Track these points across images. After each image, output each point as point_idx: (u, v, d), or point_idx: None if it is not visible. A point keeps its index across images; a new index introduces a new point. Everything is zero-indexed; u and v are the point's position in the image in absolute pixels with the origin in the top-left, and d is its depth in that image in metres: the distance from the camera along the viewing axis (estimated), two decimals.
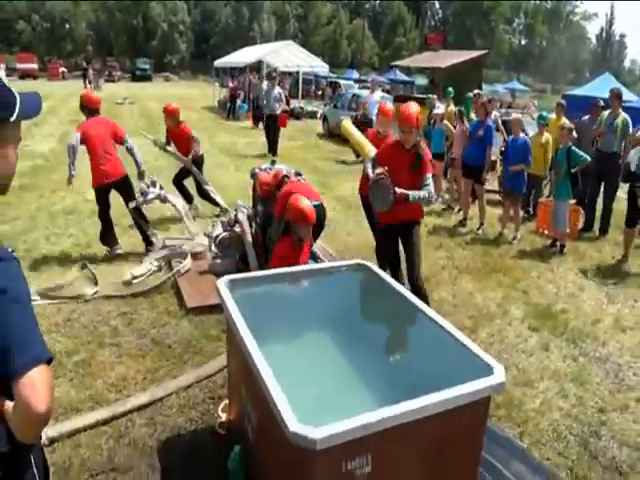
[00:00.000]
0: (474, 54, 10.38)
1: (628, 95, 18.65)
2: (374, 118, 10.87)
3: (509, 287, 4.88)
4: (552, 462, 2.68)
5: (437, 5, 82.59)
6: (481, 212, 6.66)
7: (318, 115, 17.93)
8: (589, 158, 5.77)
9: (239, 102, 17.83)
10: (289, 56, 19.51)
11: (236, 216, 4.50)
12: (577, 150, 5.69)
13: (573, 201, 6.38)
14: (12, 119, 1.17)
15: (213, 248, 4.58)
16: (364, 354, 1.90)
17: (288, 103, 12.98)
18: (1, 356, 1.05)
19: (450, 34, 73.30)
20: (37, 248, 5.17)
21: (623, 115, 6.46)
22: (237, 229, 4.49)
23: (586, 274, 5.34)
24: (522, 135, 6.21)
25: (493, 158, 8.31)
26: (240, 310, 2.11)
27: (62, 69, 40.07)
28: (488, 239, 6.34)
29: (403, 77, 40.20)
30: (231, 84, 18.24)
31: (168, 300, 4.17)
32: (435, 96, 8.90)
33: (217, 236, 4.54)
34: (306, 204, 3.22)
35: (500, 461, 2.56)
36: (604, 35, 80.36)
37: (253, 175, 4.80)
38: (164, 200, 5.20)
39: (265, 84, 17.43)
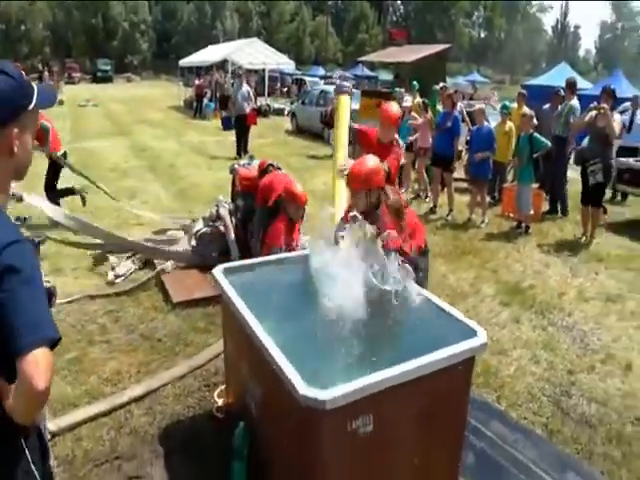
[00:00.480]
0: (437, 48, 10.67)
1: (583, 83, 19.43)
2: None
3: (479, 267, 5.14)
4: (528, 420, 2.91)
5: (398, 1, 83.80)
6: (450, 199, 6.93)
7: (285, 112, 18.00)
8: (550, 144, 6.11)
9: (206, 101, 17.73)
10: (254, 53, 19.49)
11: (217, 211, 4.59)
12: (538, 136, 6.01)
13: (536, 185, 6.72)
14: (30, 107, 1.24)
15: (193, 243, 4.65)
16: (355, 324, 2.07)
17: (256, 101, 13.01)
18: (8, 334, 1.08)
19: (412, 29, 74.35)
20: None
21: (572, 102, 6.85)
22: (218, 225, 4.58)
23: (550, 252, 5.66)
24: (486, 124, 6.50)
25: (460, 148, 8.63)
26: (238, 293, 2.24)
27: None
28: (457, 224, 6.61)
29: (368, 72, 40.57)
30: (197, 82, 18.09)
31: (153, 297, 4.23)
32: (403, 89, 9.12)
33: (198, 231, 4.62)
34: (299, 188, 3.67)
35: (481, 423, 2.77)
36: (559, 27, 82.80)
37: (232, 171, 4.90)
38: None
39: (231, 83, 17.51)
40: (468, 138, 7.83)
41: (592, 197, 5.85)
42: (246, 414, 2.27)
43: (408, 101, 8.33)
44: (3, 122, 1.19)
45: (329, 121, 4.11)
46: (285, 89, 30.22)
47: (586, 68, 69.37)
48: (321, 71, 40.39)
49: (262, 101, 18.99)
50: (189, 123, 16.35)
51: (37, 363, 1.06)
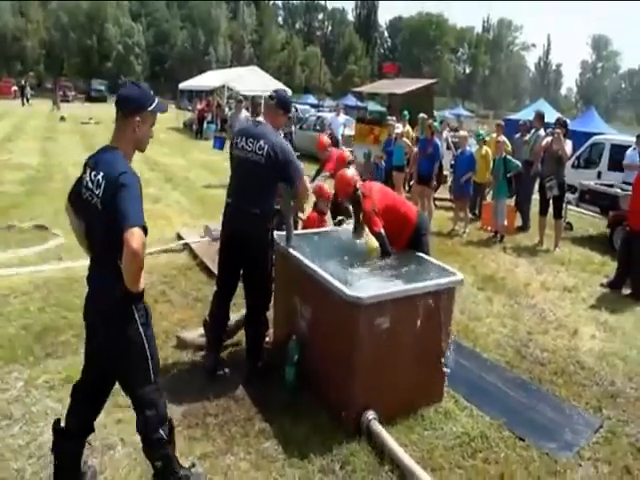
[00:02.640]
0: (426, 82, 12.02)
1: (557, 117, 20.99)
2: (340, 137, 12.31)
3: (461, 263, 6.15)
4: (495, 359, 3.91)
5: (386, 34, 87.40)
6: (429, 211, 7.92)
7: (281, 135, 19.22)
8: (520, 165, 7.28)
9: (206, 124, 18.81)
10: (253, 81, 20.77)
11: None
12: (510, 158, 7.19)
13: (510, 202, 7.86)
14: (150, 108, 2.09)
15: None
16: (372, 269, 3.13)
17: None
18: (120, 219, 1.83)
19: (399, 62, 77.82)
20: (70, 239, 5.97)
21: (539, 132, 8.09)
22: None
23: (520, 256, 6.76)
24: (468, 148, 7.67)
25: (445, 173, 9.84)
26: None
27: (14, 87, 39.57)
28: (442, 233, 7.68)
29: (358, 103, 42.32)
30: (199, 106, 19.22)
31: (198, 274, 5.15)
32: (394, 118, 10.32)
33: None
34: (326, 187, 4.69)
35: (461, 358, 3.75)
36: (541, 65, 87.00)
37: None
38: None
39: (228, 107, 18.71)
40: (452, 162, 9.01)
41: (553, 210, 7.01)
42: (297, 332, 3.22)
43: (399, 128, 9.50)
44: (131, 113, 2.06)
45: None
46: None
47: (567, 105, 73.02)
48: (312, 99, 42.19)
49: None
50: (192, 143, 17.40)
51: (133, 233, 1.80)
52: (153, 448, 2.15)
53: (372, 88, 12.59)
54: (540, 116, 8.51)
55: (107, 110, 30.97)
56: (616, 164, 10.83)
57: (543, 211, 7.15)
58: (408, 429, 2.94)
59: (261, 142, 3.15)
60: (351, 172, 3.76)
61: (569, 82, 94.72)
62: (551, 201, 7.02)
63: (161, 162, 12.40)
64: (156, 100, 2.15)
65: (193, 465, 2.39)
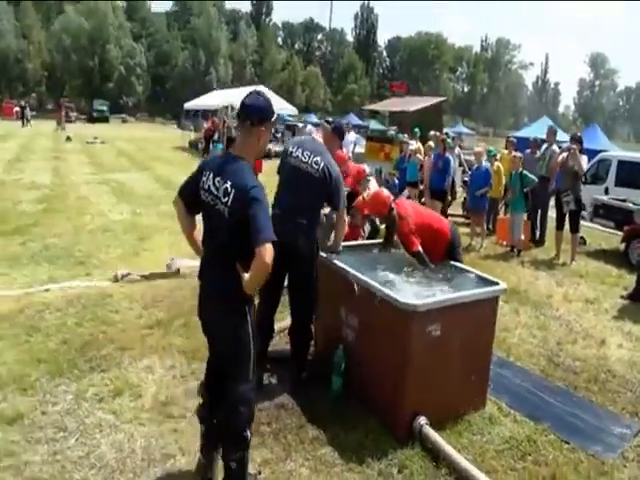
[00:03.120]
0: (435, 100, 12.31)
1: (562, 135, 21.37)
2: (350, 155, 12.50)
3: None
4: (529, 368, 3.97)
5: (385, 54, 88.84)
6: None
7: None
8: (537, 180, 7.43)
9: (212, 143, 19.02)
10: None
11: None
12: (527, 173, 7.33)
13: (525, 216, 7.98)
14: (272, 119, 2.29)
15: None
16: (416, 278, 3.23)
17: None
18: (253, 233, 2.01)
19: (398, 81, 79.00)
20: (95, 255, 6.08)
21: (553, 147, 8.25)
22: None
23: (539, 269, 6.85)
24: (484, 164, 7.82)
25: (457, 189, 10.04)
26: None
27: (16, 108, 39.97)
28: None
29: (359, 121, 42.89)
30: (206, 125, 19.48)
31: None
32: (406, 135, 10.53)
33: None
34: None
35: (496, 367, 3.82)
36: (539, 83, 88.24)
37: None
38: None
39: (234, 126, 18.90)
40: (465, 179, 9.19)
41: (570, 224, 7.13)
42: (343, 341, 3.29)
43: (413, 145, 9.68)
44: (258, 123, 2.21)
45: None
46: (279, 134, 31.95)
47: (566, 123, 74.02)
48: (313, 118, 42.73)
49: None
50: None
51: (267, 248, 1.99)
52: (235, 447, 2.20)
53: (383, 106, 12.85)
54: (553, 132, 8.69)
55: (110, 130, 31.62)
56: (623, 180, 11.02)
57: (560, 226, 7.27)
58: (457, 434, 3.00)
59: (317, 158, 3.27)
60: (386, 192, 3.89)
61: (567, 100, 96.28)
62: (567, 215, 7.14)
63: (175, 181, 12.45)
64: (275, 112, 2.28)
65: (259, 472, 2.45)
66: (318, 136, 3.55)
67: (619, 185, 11.01)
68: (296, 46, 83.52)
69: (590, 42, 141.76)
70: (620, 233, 7.64)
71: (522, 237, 7.51)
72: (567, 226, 7.23)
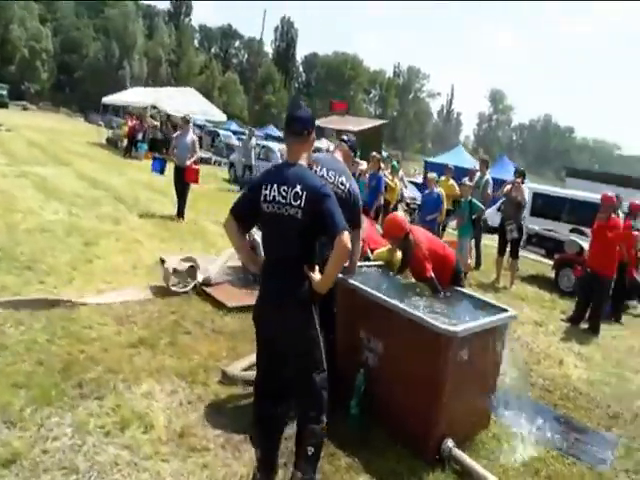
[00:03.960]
0: (377, 122, 12.81)
1: (467, 163, 23.17)
2: None
3: None
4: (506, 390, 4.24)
5: (301, 68, 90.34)
6: None
7: (212, 161, 19.89)
8: (483, 207, 8.00)
9: (139, 142, 18.01)
10: (186, 102, 20.32)
11: (253, 241, 5.45)
12: (476, 201, 7.86)
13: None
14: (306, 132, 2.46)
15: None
16: (433, 304, 3.34)
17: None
18: (329, 225, 2.27)
19: (314, 97, 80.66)
20: (41, 259, 5.40)
21: (487, 177, 8.96)
22: None
23: (486, 291, 7.34)
24: (435, 189, 8.25)
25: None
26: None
27: None
28: None
29: (278, 133, 42.99)
30: (130, 123, 18.37)
31: (201, 303, 4.92)
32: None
33: None
34: None
35: None
36: (444, 112, 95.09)
37: None
38: None
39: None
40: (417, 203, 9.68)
41: (511, 250, 7.77)
42: (363, 365, 3.27)
43: (363, 165, 9.94)
44: (310, 131, 2.45)
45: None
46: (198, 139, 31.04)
47: (466, 152, 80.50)
48: (234, 126, 42.02)
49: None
50: (124, 162, 16.41)
51: (346, 235, 2.24)
52: (317, 433, 2.36)
53: (325, 123, 13.00)
54: (485, 162, 9.44)
55: (13, 117, 28.45)
56: (537, 211, 12.27)
57: (501, 251, 7.89)
58: (475, 454, 3.11)
59: (342, 178, 3.21)
60: (401, 215, 3.95)
61: (467, 130, 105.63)
62: (509, 243, 7.77)
63: (100, 180, 11.59)
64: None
65: None
66: (338, 155, 3.50)
67: (533, 215, 12.25)
68: (212, 50, 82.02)
69: (491, 78, 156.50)
70: (550, 261, 8.46)
71: (469, 261, 8.01)
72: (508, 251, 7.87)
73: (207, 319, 4.57)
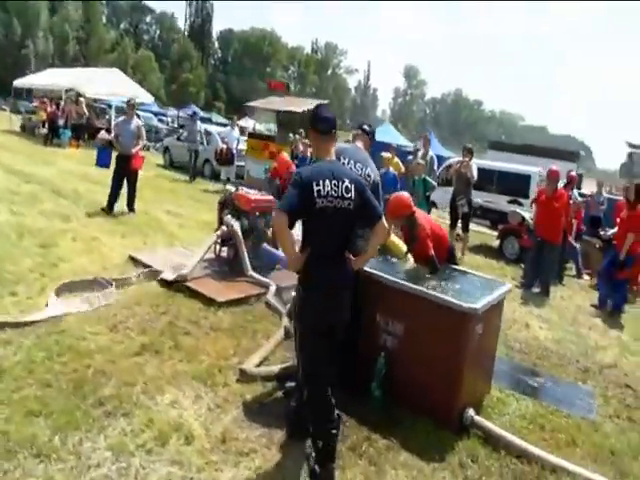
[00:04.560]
0: (319, 102, 12.79)
1: (402, 140, 23.92)
2: (234, 152, 12.23)
3: None
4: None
5: (216, 45, 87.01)
6: None
7: (145, 147, 18.25)
8: (436, 185, 8.39)
9: (61, 128, 16.64)
10: (108, 84, 18.97)
11: (232, 229, 5.37)
12: (428, 179, 8.22)
13: None
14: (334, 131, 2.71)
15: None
16: (439, 283, 3.55)
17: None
18: (371, 212, 2.62)
19: (232, 74, 78.36)
20: (2, 267, 4.93)
21: (431, 154, 9.38)
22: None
23: None
24: (390, 169, 8.50)
25: None
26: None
27: None
28: None
29: (201, 113, 41.29)
30: (49, 108, 16.91)
31: (188, 301, 4.78)
32: (298, 137, 10.74)
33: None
34: None
35: None
36: (361, 88, 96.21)
37: (229, 194, 5.79)
38: None
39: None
40: None
41: (462, 224, 8.27)
42: (384, 349, 3.42)
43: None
44: (335, 130, 2.71)
45: None
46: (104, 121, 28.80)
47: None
48: (155, 107, 39.81)
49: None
50: (48, 151, 15.09)
51: (384, 220, 2.65)
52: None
53: (264, 104, 12.75)
54: (427, 140, 9.85)
55: None
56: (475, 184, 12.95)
57: (453, 225, 8.37)
58: (487, 417, 3.41)
59: (368, 170, 3.30)
60: (407, 194, 4.07)
61: (383, 105, 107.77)
62: (460, 217, 8.26)
63: (28, 172, 10.65)
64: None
65: None
66: (360, 144, 3.55)
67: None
68: (122, 26, 76.66)
69: (406, 55, 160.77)
70: (494, 232, 9.09)
71: None
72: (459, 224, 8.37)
73: (200, 317, 4.48)
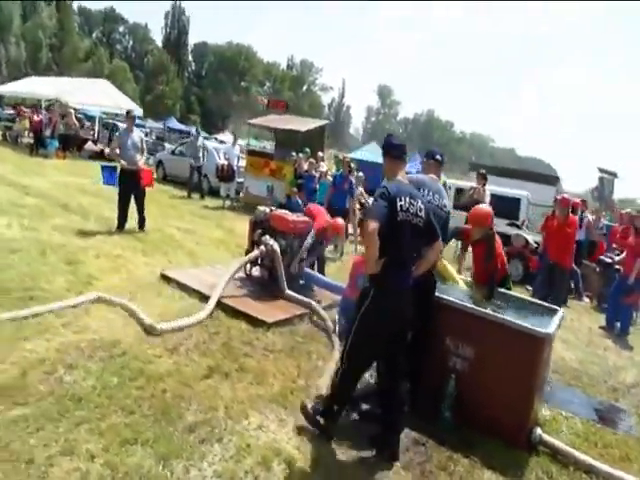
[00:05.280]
0: (321, 122, 13.02)
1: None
2: (235, 168, 12.26)
3: None
4: None
5: (190, 57, 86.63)
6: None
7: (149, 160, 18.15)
8: None
9: (48, 138, 16.29)
10: (94, 95, 18.72)
11: (271, 248, 5.42)
12: None
13: None
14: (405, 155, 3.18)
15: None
16: (502, 307, 3.75)
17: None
18: (433, 232, 3.11)
19: (207, 87, 78.15)
20: (37, 286, 4.81)
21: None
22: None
23: None
24: None
25: None
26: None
27: None
28: None
29: (180, 126, 41.05)
30: (36, 117, 16.53)
31: (231, 322, 4.78)
32: (302, 155, 10.82)
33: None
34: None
35: None
36: (334, 105, 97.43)
37: (264, 214, 5.86)
38: None
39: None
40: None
41: None
42: (454, 371, 3.57)
43: (324, 166, 10.16)
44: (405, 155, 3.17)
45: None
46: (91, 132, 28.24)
47: (356, 143, 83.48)
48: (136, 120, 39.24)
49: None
50: (36, 161, 14.71)
51: (440, 241, 3.16)
52: None
53: (265, 121, 12.88)
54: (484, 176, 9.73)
55: None
56: (457, 205, 13.31)
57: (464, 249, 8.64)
58: (547, 434, 3.58)
59: (445, 201, 3.60)
60: (487, 206, 4.28)
61: (356, 123, 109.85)
62: None
63: (24, 184, 10.35)
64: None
65: None
66: (433, 175, 3.75)
67: (455, 208, 13.34)
68: (94, 35, 75.57)
69: (379, 74, 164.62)
70: None
71: None
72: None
73: (252, 338, 4.51)
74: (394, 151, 3.14)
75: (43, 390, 3.19)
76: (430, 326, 3.60)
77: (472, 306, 3.55)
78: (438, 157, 3.81)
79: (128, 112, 8.62)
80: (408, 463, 3.09)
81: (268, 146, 20.31)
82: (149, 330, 4.21)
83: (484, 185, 8.67)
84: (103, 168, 10.41)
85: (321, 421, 3.18)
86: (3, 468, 2.49)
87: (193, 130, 18.23)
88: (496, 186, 13.00)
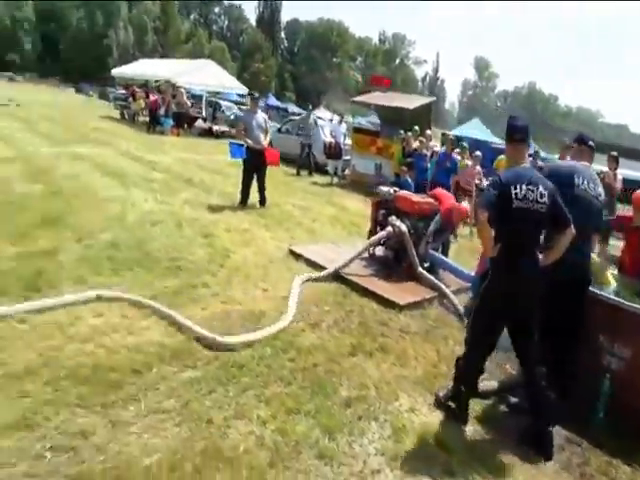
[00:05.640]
0: (428, 99, 12.60)
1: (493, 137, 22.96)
2: (342, 146, 12.23)
3: None
4: None
5: (283, 35, 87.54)
6: None
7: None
8: None
9: (162, 117, 17.45)
10: (202, 76, 19.64)
11: (399, 229, 5.38)
12: None
13: None
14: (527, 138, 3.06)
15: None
16: None
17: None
18: (563, 217, 2.93)
19: (300, 65, 78.79)
20: (181, 257, 5.19)
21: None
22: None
23: None
24: None
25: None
26: None
27: None
28: None
29: (278, 103, 41.90)
30: (152, 97, 17.75)
31: (363, 301, 4.83)
32: (410, 133, 10.50)
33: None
34: None
35: None
36: (427, 79, 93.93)
37: (389, 194, 5.81)
38: None
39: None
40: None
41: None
42: (608, 371, 3.31)
43: (436, 145, 9.86)
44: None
45: None
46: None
47: (451, 119, 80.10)
48: (235, 96, 40.75)
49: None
50: (153, 138, 15.88)
51: (572, 226, 2.92)
52: None
53: (369, 98, 12.69)
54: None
55: (11, 91, 27.00)
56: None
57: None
58: None
59: (600, 189, 3.44)
60: None
61: (451, 97, 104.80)
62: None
63: (150, 160, 11.20)
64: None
65: None
66: (586, 162, 3.48)
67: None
68: (191, 17, 78.90)
69: (476, 47, 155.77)
70: None
71: None
72: None
73: (385, 319, 4.51)
74: (517, 134, 3.02)
75: (209, 355, 3.45)
76: (582, 323, 3.35)
77: (629, 303, 3.25)
78: (591, 143, 3.51)
79: (251, 94, 8.92)
80: (567, 464, 2.94)
81: (363, 122, 20.04)
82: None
83: (615, 169, 7.88)
84: (231, 144, 11.08)
85: (452, 405, 3.18)
86: (189, 426, 2.73)
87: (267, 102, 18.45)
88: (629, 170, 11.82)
